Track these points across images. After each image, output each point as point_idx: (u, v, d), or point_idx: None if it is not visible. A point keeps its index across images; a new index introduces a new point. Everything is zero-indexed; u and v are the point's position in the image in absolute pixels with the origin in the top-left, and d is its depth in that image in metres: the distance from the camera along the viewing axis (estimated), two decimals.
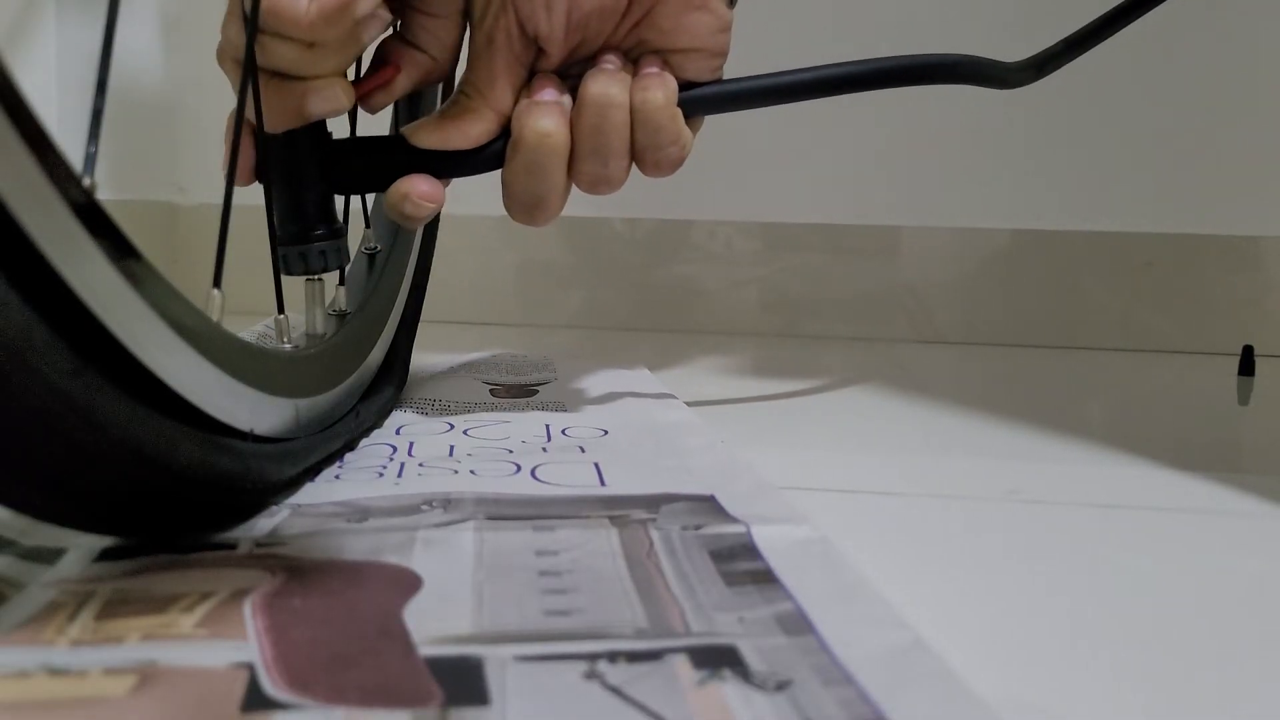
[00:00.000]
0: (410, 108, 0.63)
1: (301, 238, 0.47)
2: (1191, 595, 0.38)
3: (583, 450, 0.50)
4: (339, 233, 0.48)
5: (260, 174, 0.46)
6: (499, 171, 0.49)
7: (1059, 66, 0.61)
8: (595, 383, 0.68)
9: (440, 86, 0.64)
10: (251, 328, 0.71)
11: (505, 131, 0.48)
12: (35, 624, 0.30)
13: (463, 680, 0.27)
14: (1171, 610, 0.36)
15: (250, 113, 0.43)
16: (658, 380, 0.69)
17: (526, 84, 0.49)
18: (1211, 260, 0.95)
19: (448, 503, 0.41)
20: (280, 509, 0.41)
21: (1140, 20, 0.62)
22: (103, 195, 0.30)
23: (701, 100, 0.50)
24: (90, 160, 0.30)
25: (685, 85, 0.50)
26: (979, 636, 0.33)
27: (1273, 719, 0.29)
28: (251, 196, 0.46)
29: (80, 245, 0.29)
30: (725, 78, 0.51)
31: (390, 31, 0.49)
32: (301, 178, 0.47)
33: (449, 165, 0.48)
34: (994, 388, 0.82)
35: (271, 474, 0.40)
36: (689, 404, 0.62)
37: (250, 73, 0.42)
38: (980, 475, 0.53)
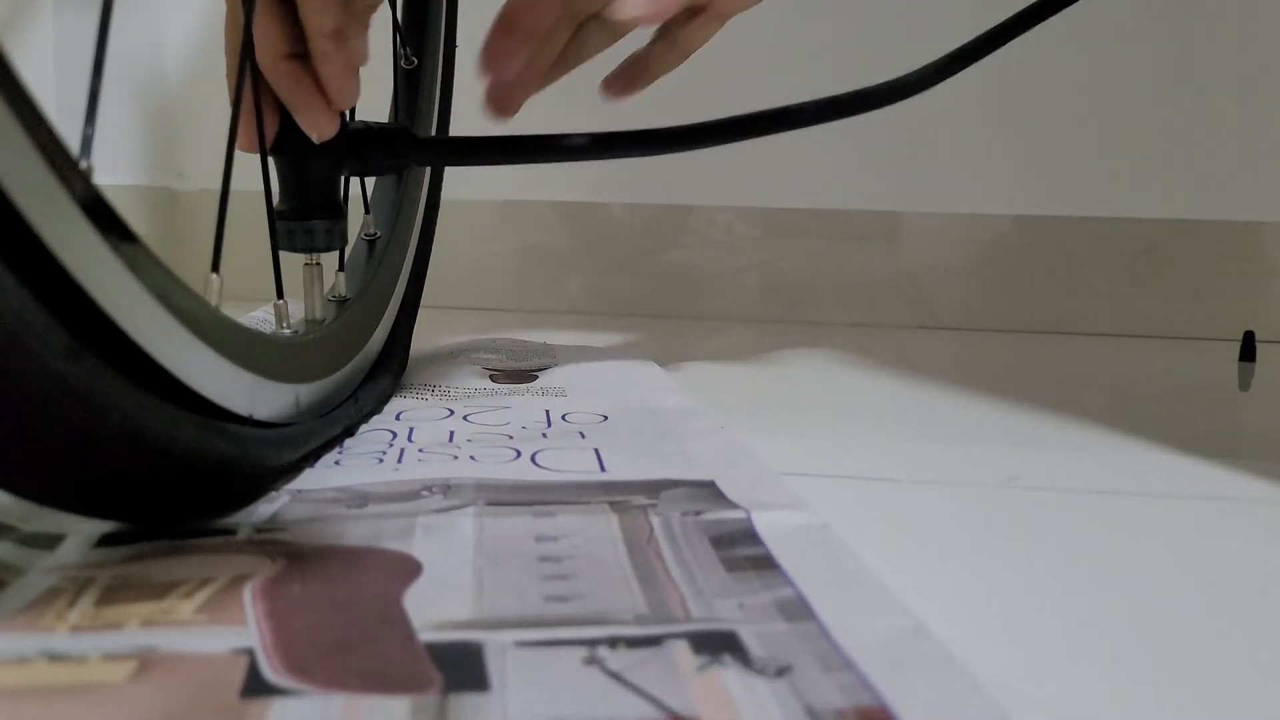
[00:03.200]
0: (410, 105, 0.63)
1: (305, 214, 0.47)
2: (1192, 581, 0.38)
3: (583, 436, 0.50)
4: (341, 214, 0.48)
5: (274, 145, 0.46)
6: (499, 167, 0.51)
7: (953, 74, 0.63)
8: (595, 368, 0.68)
9: (437, 93, 0.65)
10: (250, 313, 0.71)
11: None
12: (35, 610, 0.30)
13: (463, 666, 0.27)
14: (1172, 596, 0.36)
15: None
16: (658, 366, 0.69)
17: None
18: (1212, 245, 0.95)
19: (448, 488, 0.41)
20: (280, 494, 0.41)
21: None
22: (101, 179, 0.30)
23: None
24: (87, 143, 0.30)
25: None
26: (979, 622, 0.33)
27: (1273, 706, 0.29)
28: (251, 182, 0.46)
29: (78, 229, 0.29)
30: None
31: None
32: (311, 155, 0.47)
33: (457, 154, 0.50)
34: (994, 374, 0.82)
35: (271, 459, 0.40)
36: (689, 390, 0.62)
37: (248, 48, 0.42)
38: (979, 461, 0.52)
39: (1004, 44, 0.60)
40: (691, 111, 0.59)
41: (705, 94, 0.82)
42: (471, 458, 0.46)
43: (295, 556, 0.34)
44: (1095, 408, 0.69)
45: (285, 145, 0.47)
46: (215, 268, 0.38)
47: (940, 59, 0.60)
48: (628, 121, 0.59)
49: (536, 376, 0.64)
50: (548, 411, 0.55)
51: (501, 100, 0.55)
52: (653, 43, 0.58)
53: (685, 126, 0.57)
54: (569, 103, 0.98)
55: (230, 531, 0.37)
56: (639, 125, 0.58)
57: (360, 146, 0.49)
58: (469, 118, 0.76)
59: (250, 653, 0.28)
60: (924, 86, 0.59)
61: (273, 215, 0.47)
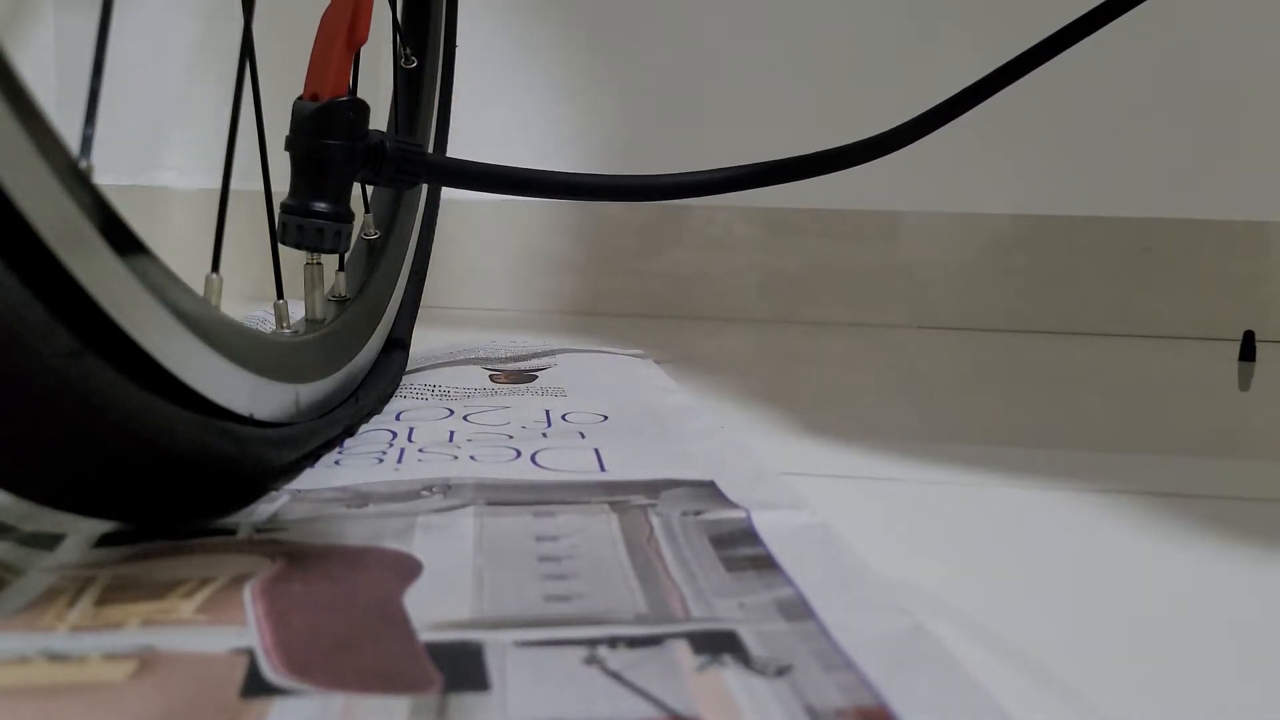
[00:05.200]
0: (409, 104, 0.63)
1: (314, 213, 0.47)
2: (1190, 579, 0.38)
3: (583, 436, 0.50)
4: (350, 218, 0.48)
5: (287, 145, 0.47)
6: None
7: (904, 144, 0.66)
8: (595, 368, 0.68)
9: (437, 93, 0.65)
10: (250, 313, 0.71)
11: None
12: (35, 609, 0.30)
13: (463, 665, 0.27)
14: (1170, 594, 0.36)
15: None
16: (657, 366, 0.69)
17: None
18: (1211, 245, 0.95)
19: (448, 488, 0.41)
20: (280, 494, 0.41)
21: (1139, 5, 0.61)
22: (100, 179, 0.30)
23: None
24: (87, 143, 0.30)
25: None
26: (978, 622, 0.33)
27: (1274, 705, 0.29)
28: (251, 181, 0.46)
29: (79, 229, 0.29)
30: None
31: None
32: (331, 153, 0.47)
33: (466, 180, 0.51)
34: (992, 373, 0.82)
35: (271, 459, 0.40)
36: (688, 390, 0.62)
37: (249, 54, 0.42)
38: (980, 461, 0.52)
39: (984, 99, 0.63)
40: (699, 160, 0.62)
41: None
42: (471, 457, 0.46)
43: (295, 556, 0.34)
44: (1094, 407, 0.69)
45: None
46: (215, 267, 0.38)
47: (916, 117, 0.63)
48: (623, 166, 0.61)
49: (536, 376, 0.64)
50: (548, 411, 0.55)
51: None
52: None
53: (692, 174, 0.61)
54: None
55: (230, 531, 0.37)
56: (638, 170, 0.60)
57: (377, 158, 0.49)
58: (468, 118, 0.76)
59: (250, 652, 0.28)
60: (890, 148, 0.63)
61: (273, 215, 0.47)
